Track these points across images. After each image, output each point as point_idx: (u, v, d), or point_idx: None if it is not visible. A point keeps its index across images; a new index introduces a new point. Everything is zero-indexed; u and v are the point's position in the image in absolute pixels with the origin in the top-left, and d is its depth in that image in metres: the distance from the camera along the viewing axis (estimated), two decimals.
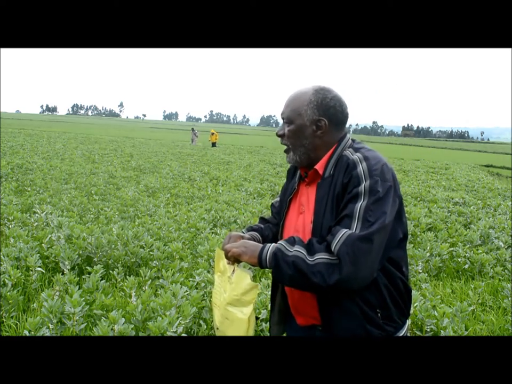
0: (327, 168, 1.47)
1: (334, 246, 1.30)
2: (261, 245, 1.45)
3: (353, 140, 1.53)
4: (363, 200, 1.33)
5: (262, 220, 1.79)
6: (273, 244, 1.43)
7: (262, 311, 3.08)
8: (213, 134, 28.85)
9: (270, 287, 1.82)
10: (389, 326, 1.43)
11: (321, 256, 1.32)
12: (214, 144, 28.10)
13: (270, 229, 1.72)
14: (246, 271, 1.49)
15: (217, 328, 1.54)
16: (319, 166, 1.49)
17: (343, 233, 1.30)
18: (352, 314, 1.40)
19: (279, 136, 1.55)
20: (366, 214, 1.31)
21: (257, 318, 2.01)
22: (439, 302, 3.41)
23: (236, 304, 1.48)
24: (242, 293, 1.47)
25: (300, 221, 1.52)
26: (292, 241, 1.40)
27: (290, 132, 1.51)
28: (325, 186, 1.44)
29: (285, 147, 1.55)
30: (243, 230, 1.71)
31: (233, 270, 1.51)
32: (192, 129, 31.49)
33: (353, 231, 1.30)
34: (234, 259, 1.48)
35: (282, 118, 1.54)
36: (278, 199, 1.78)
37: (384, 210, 1.33)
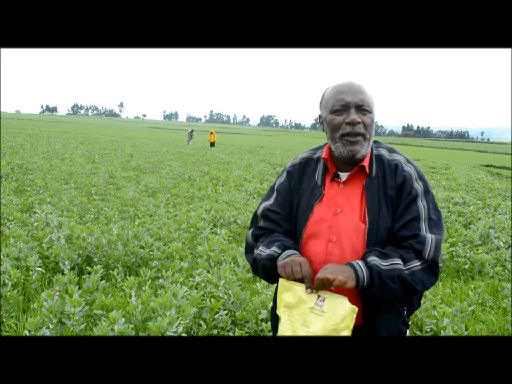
0: (372, 167, 1.46)
1: (427, 253, 1.36)
2: (346, 265, 1.34)
3: None
4: (423, 201, 1.41)
5: (275, 233, 1.54)
6: (357, 261, 1.34)
7: (262, 311, 3.08)
8: (211, 133, 28.72)
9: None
10: (407, 324, 1.50)
11: (416, 264, 1.35)
12: (212, 144, 28.04)
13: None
14: (340, 296, 1.33)
15: None
16: (366, 164, 1.45)
17: (431, 240, 1.36)
18: (393, 314, 1.43)
19: (357, 123, 1.40)
20: (430, 213, 1.40)
21: None
22: (439, 302, 3.41)
23: (332, 334, 1.32)
24: (342, 319, 1.31)
25: (340, 222, 1.42)
26: (379, 253, 1.34)
27: (370, 120, 1.43)
28: (374, 186, 1.42)
29: (356, 136, 1.42)
30: (277, 250, 1.45)
31: (322, 298, 1.33)
32: (192, 130, 31.45)
33: (434, 234, 1.38)
34: (321, 286, 1.32)
35: (359, 105, 1.41)
36: (271, 203, 1.56)
37: (438, 208, 1.45)
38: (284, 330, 1.35)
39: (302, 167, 1.56)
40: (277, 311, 1.37)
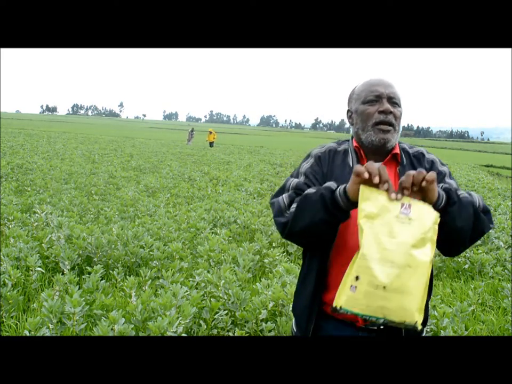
0: (402, 156, 1.54)
1: (477, 202, 1.40)
2: None
3: None
4: (452, 180, 1.52)
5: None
6: None
7: (262, 311, 3.08)
8: (210, 133, 28.60)
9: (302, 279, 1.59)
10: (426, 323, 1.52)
11: (482, 203, 1.41)
12: (211, 144, 27.99)
13: None
14: (423, 202, 1.21)
15: (384, 287, 1.16)
16: (397, 151, 1.53)
17: (477, 195, 1.43)
18: (426, 309, 1.44)
19: (389, 112, 1.47)
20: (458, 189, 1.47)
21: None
22: (439, 302, 3.42)
23: (420, 245, 1.19)
24: (429, 228, 1.20)
25: None
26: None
27: (400, 113, 1.51)
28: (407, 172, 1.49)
29: (386, 126, 1.47)
30: (334, 184, 1.36)
31: (407, 205, 1.20)
32: (192, 129, 31.37)
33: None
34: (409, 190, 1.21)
35: (390, 97, 1.48)
36: (302, 181, 1.49)
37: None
38: (368, 243, 1.19)
39: (332, 155, 1.56)
40: (358, 220, 1.21)
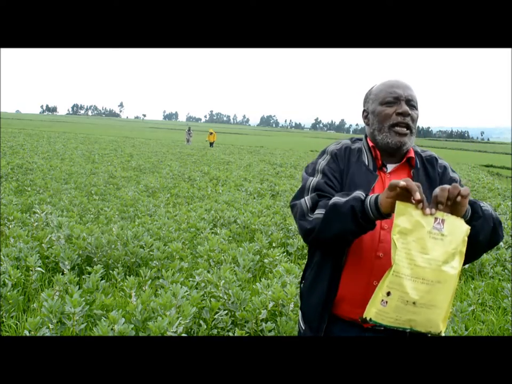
0: (416, 160, 1.55)
1: (493, 211, 1.39)
2: None
3: None
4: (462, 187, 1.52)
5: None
6: None
7: (262, 311, 3.08)
8: (211, 133, 28.63)
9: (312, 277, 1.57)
10: None
11: (495, 214, 1.40)
12: (211, 144, 28.02)
13: None
14: (455, 216, 1.22)
15: (414, 303, 1.19)
16: (412, 155, 1.54)
17: (490, 206, 1.42)
18: None
19: (407, 115, 1.47)
20: None
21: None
22: None
23: (449, 259, 1.21)
24: (462, 242, 1.21)
25: None
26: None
27: (416, 116, 1.51)
28: (421, 176, 1.51)
29: (403, 128, 1.48)
30: (362, 193, 1.35)
31: (441, 220, 1.21)
32: (189, 128, 31.36)
33: None
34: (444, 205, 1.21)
35: (408, 100, 1.49)
36: (322, 180, 1.48)
37: None
38: (400, 259, 1.20)
39: (348, 152, 1.56)
40: (392, 235, 1.22)
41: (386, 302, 1.20)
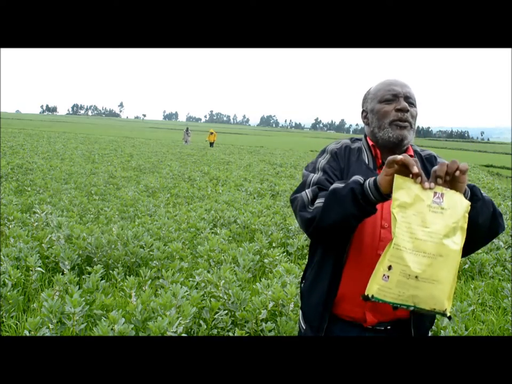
0: (415, 158, 1.52)
1: (494, 203, 1.38)
2: None
3: None
4: None
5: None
6: None
7: (262, 311, 3.08)
8: (211, 133, 28.66)
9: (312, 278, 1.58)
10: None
11: (495, 206, 1.39)
12: (211, 144, 28.04)
13: None
14: (454, 191, 1.22)
15: (416, 277, 1.18)
16: (412, 153, 1.55)
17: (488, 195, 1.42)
18: None
19: (406, 110, 1.48)
20: None
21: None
22: None
23: (450, 234, 1.20)
24: (461, 217, 1.21)
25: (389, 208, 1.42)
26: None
27: (415, 113, 1.52)
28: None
29: (405, 122, 1.48)
30: (361, 177, 1.35)
31: (440, 195, 1.21)
32: (187, 129, 31.40)
33: None
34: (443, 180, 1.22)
35: (407, 97, 1.50)
36: (322, 177, 1.48)
37: None
38: (400, 232, 1.19)
39: (347, 151, 1.57)
40: (391, 209, 1.22)
41: (388, 276, 1.19)
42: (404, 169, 1.21)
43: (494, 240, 5.56)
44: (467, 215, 1.22)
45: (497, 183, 14.10)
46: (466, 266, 4.77)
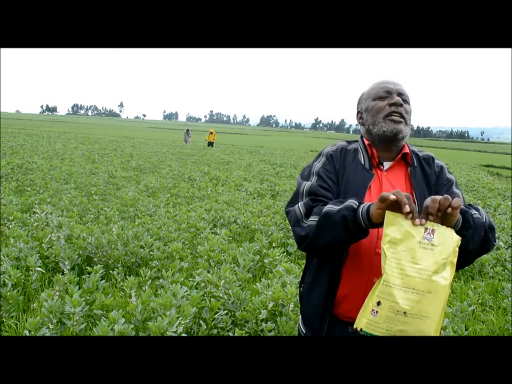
0: (413, 158, 1.56)
1: (484, 216, 1.39)
2: None
3: None
4: (458, 189, 1.54)
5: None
6: None
7: (262, 311, 3.08)
8: (211, 133, 28.63)
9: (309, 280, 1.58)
10: None
11: (488, 219, 1.41)
12: (211, 144, 28.02)
13: None
14: (447, 227, 1.22)
15: (405, 313, 1.19)
16: (408, 151, 1.55)
17: (484, 211, 1.43)
18: None
19: (399, 104, 1.50)
20: (464, 200, 1.51)
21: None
22: None
23: (440, 270, 1.20)
24: (452, 252, 1.21)
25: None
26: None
27: (409, 109, 1.54)
28: (418, 174, 1.52)
29: (398, 116, 1.50)
30: (355, 202, 1.35)
31: (431, 230, 1.20)
32: (187, 130, 31.42)
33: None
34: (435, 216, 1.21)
35: (400, 93, 1.52)
36: (316, 183, 1.49)
37: None
38: (390, 269, 1.20)
39: (343, 152, 1.57)
40: (382, 245, 1.23)
41: (377, 312, 1.21)
42: (396, 205, 1.21)
43: None
44: (457, 249, 1.22)
45: (497, 183, 14.10)
46: (466, 266, 4.77)
